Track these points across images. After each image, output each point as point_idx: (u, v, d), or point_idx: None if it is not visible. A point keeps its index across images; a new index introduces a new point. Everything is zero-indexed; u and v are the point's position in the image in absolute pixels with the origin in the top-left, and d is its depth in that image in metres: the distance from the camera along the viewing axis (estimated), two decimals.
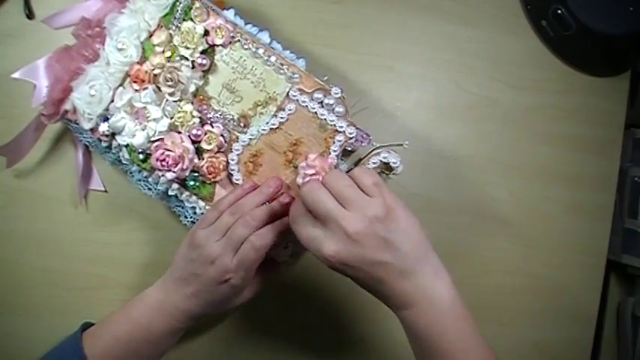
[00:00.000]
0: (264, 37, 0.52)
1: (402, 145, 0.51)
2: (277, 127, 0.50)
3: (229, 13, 0.51)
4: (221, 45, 0.50)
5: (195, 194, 0.51)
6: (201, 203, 0.51)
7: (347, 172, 0.50)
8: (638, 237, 0.64)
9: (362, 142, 0.51)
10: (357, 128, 0.51)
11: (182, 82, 0.49)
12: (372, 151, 0.51)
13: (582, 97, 0.65)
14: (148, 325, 0.47)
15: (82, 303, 0.57)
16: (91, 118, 0.49)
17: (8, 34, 0.60)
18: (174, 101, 0.49)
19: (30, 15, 0.60)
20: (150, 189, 0.52)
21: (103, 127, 0.49)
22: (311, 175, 0.48)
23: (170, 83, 0.48)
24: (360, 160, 0.52)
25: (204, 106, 0.50)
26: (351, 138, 0.50)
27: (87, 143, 0.54)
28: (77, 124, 0.51)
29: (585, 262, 0.64)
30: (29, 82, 0.52)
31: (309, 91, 0.50)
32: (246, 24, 0.52)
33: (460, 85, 0.64)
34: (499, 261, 0.63)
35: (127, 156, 0.50)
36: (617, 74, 0.66)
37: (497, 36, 0.65)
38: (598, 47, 0.63)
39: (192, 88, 0.50)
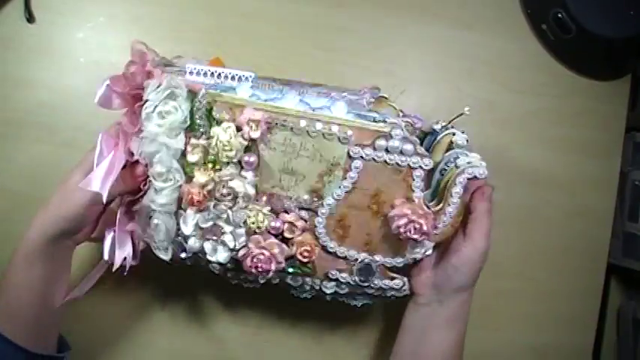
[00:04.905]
0: (292, 96, 0.46)
1: (463, 114, 0.49)
2: (351, 189, 0.47)
3: (245, 87, 0.46)
4: (259, 137, 0.45)
5: (299, 275, 0.49)
6: (307, 279, 0.49)
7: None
8: (639, 241, 0.64)
9: (417, 124, 0.48)
10: (409, 123, 0.48)
11: (239, 190, 0.45)
12: (432, 134, 0.49)
13: (583, 100, 0.65)
14: (13, 267, 0.46)
15: (82, 305, 0.57)
16: (167, 248, 0.47)
17: (9, 37, 0.60)
18: (240, 209, 0.46)
19: (30, 19, 0.61)
20: (252, 283, 0.51)
21: (183, 255, 0.48)
22: (405, 224, 0.45)
23: (229, 197, 0.45)
24: (442, 172, 0.48)
25: (272, 199, 0.47)
26: (428, 169, 0.47)
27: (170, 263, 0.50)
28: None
29: (586, 266, 0.64)
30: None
31: (368, 142, 0.45)
32: (266, 86, 0.47)
33: (460, 89, 0.64)
34: (499, 265, 0.63)
35: (218, 267, 0.49)
36: (617, 78, 0.66)
37: (498, 40, 0.65)
38: (598, 51, 0.63)
39: (251, 190, 0.46)
